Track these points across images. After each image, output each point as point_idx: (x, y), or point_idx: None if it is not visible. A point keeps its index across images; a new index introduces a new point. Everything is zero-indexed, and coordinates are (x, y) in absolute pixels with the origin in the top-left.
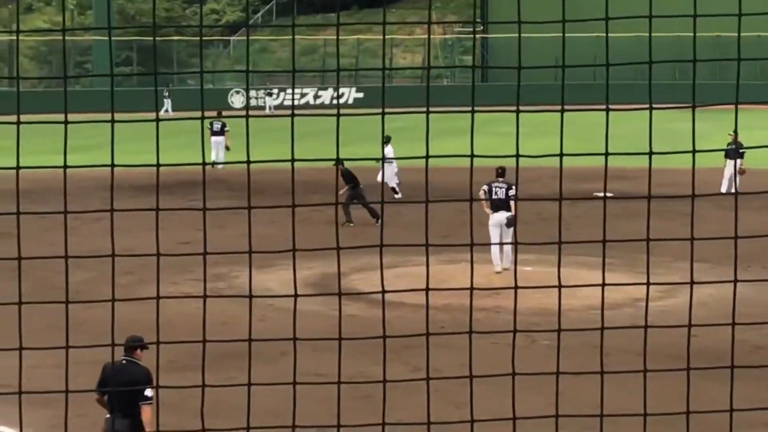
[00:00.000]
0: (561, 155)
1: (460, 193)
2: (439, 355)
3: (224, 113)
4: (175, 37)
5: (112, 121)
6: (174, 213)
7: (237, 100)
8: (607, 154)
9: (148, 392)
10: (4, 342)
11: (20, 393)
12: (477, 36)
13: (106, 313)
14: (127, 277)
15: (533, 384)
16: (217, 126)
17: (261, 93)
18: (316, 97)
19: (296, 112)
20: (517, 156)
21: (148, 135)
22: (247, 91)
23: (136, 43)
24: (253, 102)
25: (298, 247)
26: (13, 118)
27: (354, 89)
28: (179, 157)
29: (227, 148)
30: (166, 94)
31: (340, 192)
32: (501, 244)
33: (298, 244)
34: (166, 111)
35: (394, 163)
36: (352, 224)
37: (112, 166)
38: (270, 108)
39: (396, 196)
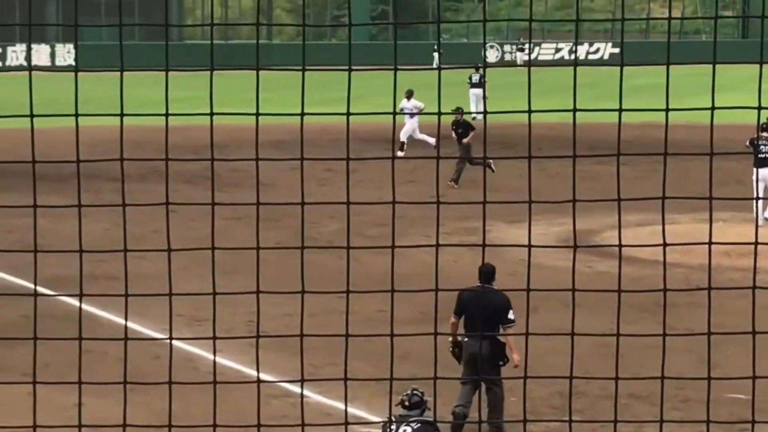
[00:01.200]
0: None
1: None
2: (692, 315)
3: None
4: None
5: (349, 71)
6: (426, 165)
7: (491, 55)
8: None
9: (511, 315)
10: (263, 289)
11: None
12: None
13: (357, 265)
14: (378, 229)
15: None
16: (475, 78)
17: (513, 48)
18: (571, 52)
19: (549, 67)
20: (760, 107)
21: (399, 87)
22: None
23: None
24: (507, 57)
25: (546, 200)
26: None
27: (610, 44)
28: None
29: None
30: (436, 47)
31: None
32: (757, 198)
33: (550, 198)
34: (436, 65)
35: (416, 118)
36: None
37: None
38: (520, 63)
39: (399, 153)
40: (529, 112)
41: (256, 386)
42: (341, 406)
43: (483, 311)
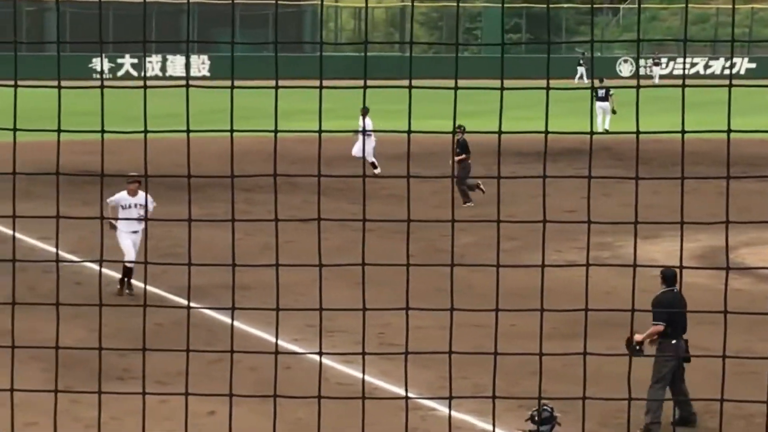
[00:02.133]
0: None
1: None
2: None
3: (611, 81)
4: (565, 5)
5: (501, 89)
6: (559, 180)
7: (625, 69)
8: None
9: None
10: (393, 302)
11: (406, 353)
12: None
13: (489, 278)
14: (511, 243)
15: None
16: (601, 92)
17: (649, 62)
18: (706, 67)
19: (686, 82)
20: None
21: (536, 102)
22: (637, 60)
23: (525, 10)
24: (641, 71)
25: (686, 220)
26: (406, 82)
27: (746, 59)
28: (564, 124)
29: (613, 112)
30: (581, 62)
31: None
32: None
33: (686, 216)
34: (580, 78)
35: (373, 136)
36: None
37: (500, 133)
38: (657, 77)
39: (375, 171)
40: (591, 133)
41: (386, 399)
42: (470, 419)
43: (682, 313)
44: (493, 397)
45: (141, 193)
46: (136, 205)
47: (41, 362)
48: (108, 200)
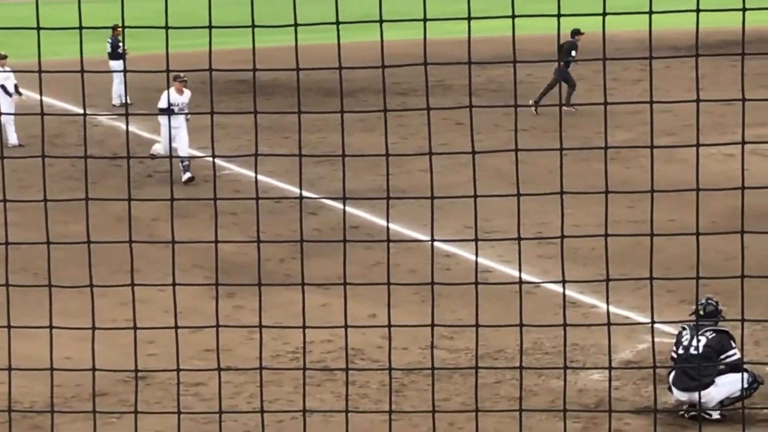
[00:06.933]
0: None
1: None
2: None
3: None
4: None
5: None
6: (714, 74)
7: None
8: None
9: None
10: (549, 201)
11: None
12: None
13: (642, 173)
14: (667, 139)
15: None
16: None
17: None
18: None
19: None
20: None
21: None
22: None
23: None
24: None
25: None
26: None
27: None
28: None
29: None
30: None
31: None
32: None
33: None
34: None
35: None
36: None
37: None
38: None
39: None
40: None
41: (544, 294)
42: (630, 314)
43: None
44: (650, 284)
45: (187, 92)
46: (181, 104)
47: (204, 270)
48: (160, 105)
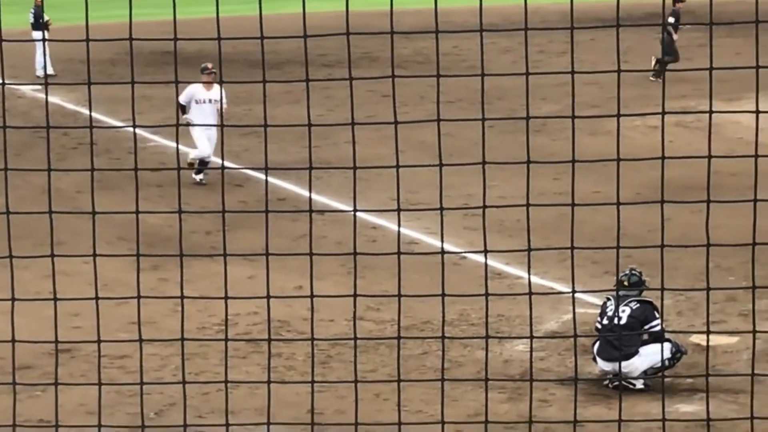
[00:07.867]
0: None
1: None
2: None
3: None
4: None
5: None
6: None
7: None
8: None
9: None
10: (474, 172)
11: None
12: None
13: (567, 146)
14: (591, 110)
15: None
16: None
17: None
18: None
19: None
20: None
21: None
22: None
23: None
24: None
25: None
26: None
27: None
28: None
29: None
30: None
31: None
32: None
33: None
34: None
35: None
36: None
37: None
38: None
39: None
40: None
41: (470, 266)
42: (555, 285)
43: None
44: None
45: (216, 87)
46: (210, 101)
47: (129, 243)
48: (180, 99)
